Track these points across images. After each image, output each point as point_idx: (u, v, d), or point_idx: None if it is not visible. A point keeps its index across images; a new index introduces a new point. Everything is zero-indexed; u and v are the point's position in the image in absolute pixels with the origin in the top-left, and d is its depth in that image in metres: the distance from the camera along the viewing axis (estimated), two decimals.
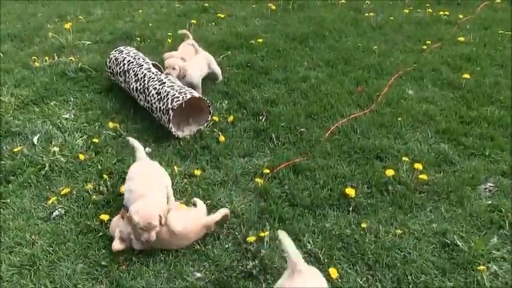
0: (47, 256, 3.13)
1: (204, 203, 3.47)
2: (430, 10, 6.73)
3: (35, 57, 5.54)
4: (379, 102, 4.59)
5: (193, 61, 4.79)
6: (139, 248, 3.12)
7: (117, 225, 3.15)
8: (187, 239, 3.12)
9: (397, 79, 4.99)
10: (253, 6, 7.06)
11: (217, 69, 4.98)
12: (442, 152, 3.91)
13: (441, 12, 6.64)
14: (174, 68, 4.43)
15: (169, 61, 4.49)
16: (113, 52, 4.81)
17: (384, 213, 3.35)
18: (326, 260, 3.01)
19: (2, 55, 5.76)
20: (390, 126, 4.25)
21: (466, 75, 4.91)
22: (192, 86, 4.47)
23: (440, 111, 4.45)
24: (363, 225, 3.23)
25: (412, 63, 5.31)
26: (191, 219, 3.16)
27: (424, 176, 3.57)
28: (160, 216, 3.04)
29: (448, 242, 3.11)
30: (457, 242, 3.09)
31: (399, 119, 4.32)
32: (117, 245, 3.08)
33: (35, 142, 4.12)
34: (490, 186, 3.58)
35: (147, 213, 3.02)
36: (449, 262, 2.99)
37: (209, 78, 4.94)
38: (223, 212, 3.28)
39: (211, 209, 3.44)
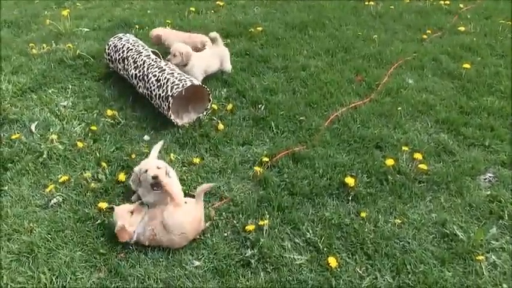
0: (45, 244, 3.11)
1: None
2: None
3: (32, 44, 5.47)
4: (378, 91, 4.57)
5: (203, 53, 4.65)
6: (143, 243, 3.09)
7: (123, 218, 3.08)
8: (185, 239, 3.05)
9: (397, 68, 4.97)
10: None
11: (228, 67, 4.81)
12: (441, 142, 3.91)
13: (441, 2, 6.60)
14: (174, 55, 4.37)
15: (175, 46, 4.42)
16: (112, 39, 4.76)
17: (384, 203, 3.35)
18: (325, 249, 3.01)
19: None
20: (390, 115, 4.24)
21: (467, 65, 4.90)
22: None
23: (440, 101, 4.44)
24: (362, 214, 3.23)
25: (412, 52, 5.28)
26: (188, 218, 3.08)
27: (423, 166, 3.56)
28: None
29: (448, 232, 3.11)
30: (457, 232, 3.09)
31: (399, 108, 4.31)
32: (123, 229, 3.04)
33: (33, 129, 4.08)
34: (490, 177, 3.57)
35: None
36: (448, 252, 2.99)
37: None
38: (204, 187, 3.20)
39: (210, 197, 3.43)
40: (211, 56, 4.69)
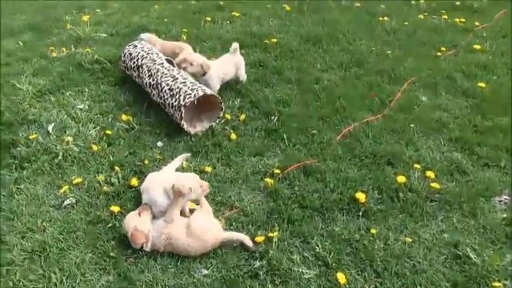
0: (57, 243, 3.16)
1: (214, 199, 3.49)
2: (445, 16, 6.68)
3: (52, 48, 5.59)
4: (391, 107, 4.57)
5: (218, 62, 4.70)
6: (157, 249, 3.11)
7: (133, 221, 3.13)
8: (204, 247, 3.07)
9: (410, 85, 4.97)
10: (268, 6, 7.03)
11: (243, 76, 4.85)
12: (455, 160, 3.88)
13: (457, 19, 6.58)
14: (192, 64, 4.42)
15: (191, 56, 4.48)
16: (127, 47, 4.82)
17: (394, 220, 3.34)
18: (334, 265, 3.01)
19: (22, 44, 5.83)
20: (402, 132, 4.23)
21: (482, 84, 4.88)
22: (207, 85, 4.44)
23: (453, 119, 4.42)
24: (373, 231, 3.22)
25: (426, 69, 5.27)
26: (212, 228, 3.13)
27: (436, 185, 3.54)
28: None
29: (460, 253, 3.07)
30: (470, 254, 3.05)
31: (412, 125, 4.30)
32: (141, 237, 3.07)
33: (50, 131, 4.15)
34: (506, 199, 3.51)
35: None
36: (461, 275, 2.95)
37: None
38: (243, 237, 3.17)
39: (220, 206, 3.46)
40: (228, 64, 4.72)
